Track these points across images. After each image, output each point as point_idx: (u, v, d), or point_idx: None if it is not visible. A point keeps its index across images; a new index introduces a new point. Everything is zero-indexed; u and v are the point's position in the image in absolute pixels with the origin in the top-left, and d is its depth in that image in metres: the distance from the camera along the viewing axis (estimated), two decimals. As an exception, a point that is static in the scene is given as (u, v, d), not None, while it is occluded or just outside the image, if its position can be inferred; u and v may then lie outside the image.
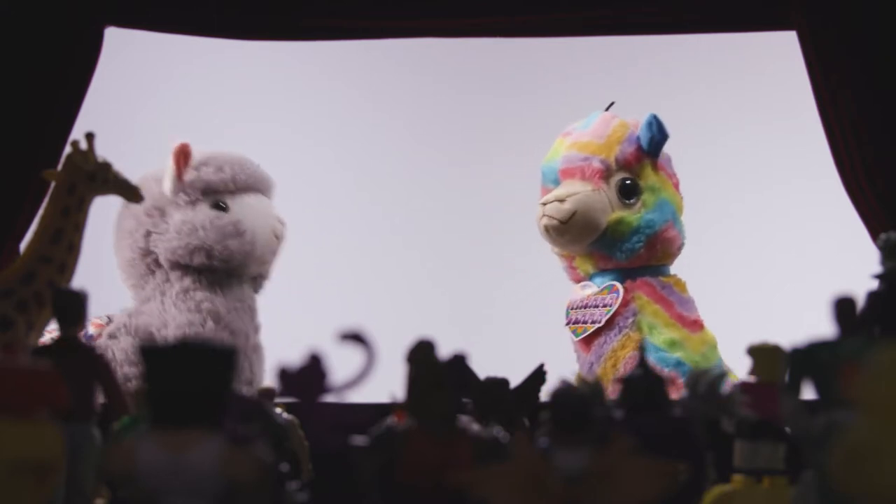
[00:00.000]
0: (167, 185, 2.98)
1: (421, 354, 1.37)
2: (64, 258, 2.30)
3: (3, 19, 3.01)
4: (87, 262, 2.40)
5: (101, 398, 1.83)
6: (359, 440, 1.32)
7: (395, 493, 1.27)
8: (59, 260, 2.30)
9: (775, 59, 3.48)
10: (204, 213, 2.98)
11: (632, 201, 3.00)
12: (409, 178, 3.81)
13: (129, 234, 3.02)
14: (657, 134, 3.01)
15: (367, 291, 3.66)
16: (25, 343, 2.18)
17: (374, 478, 1.29)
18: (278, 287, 3.27)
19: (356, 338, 1.51)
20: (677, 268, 3.16)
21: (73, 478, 1.64)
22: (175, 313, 2.95)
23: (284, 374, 1.39)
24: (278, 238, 3.11)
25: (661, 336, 2.92)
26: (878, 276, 1.71)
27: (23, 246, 2.55)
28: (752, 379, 1.76)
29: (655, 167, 3.07)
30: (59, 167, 2.44)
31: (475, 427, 1.31)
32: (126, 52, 3.38)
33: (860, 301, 1.61)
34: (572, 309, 3.05)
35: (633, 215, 2.97)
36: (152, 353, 1.19)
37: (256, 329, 3.10)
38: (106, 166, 2.38)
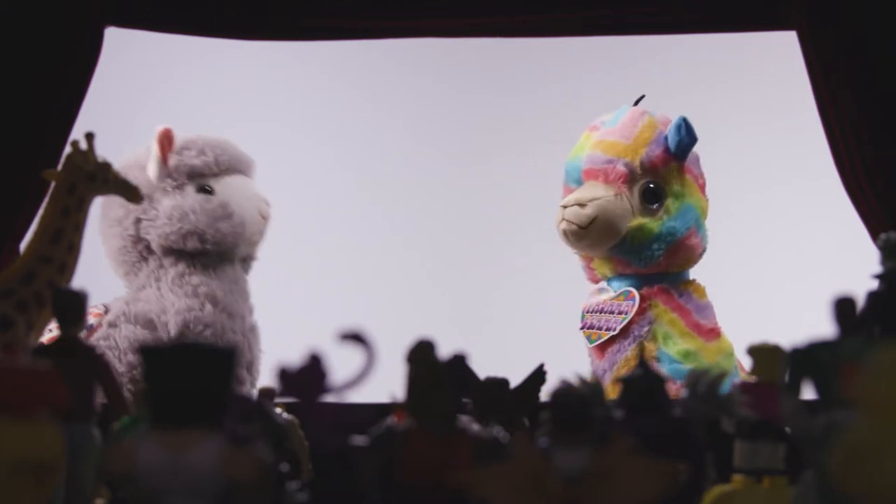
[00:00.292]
0: (152, 170, 3.00)
1: (421, 354, 1.37)
2: (64, 258, 2.30)
3: (3, 19, 3.01)
4: (87, 261, 2.41)
5: (101, 398, 1.83)
6: (359, 440, 1.32)
7: (395, 493, 1.27)
8: (59, 260, 2.30)
9: (775, 59, 3.48)
10: (192, 197, 3.00)
11: (655, 206, 2.96)
12: (409, 178, 3.81)
13: (118, 223, 3.02)
14: (686, 137, 2.96)
15: (367, 291, 3.66)
16: (25, 343, 2.18)
17: (374, 478, 1.29)
18: (278, 287, 3.27)
19: (356, 338, 1.51)
20: (678, 268, 3.17)
21: (73, 478, 1.64)
22: (173, 299, 2.96)
23: (284, 374, 1.39)
24: (264, 218, 3.13)
25: (675, 346, 2.88)
26: (878, 276, 1.71)
27: (23, 246, 2.55)
28: (752, 379, 1.76)
29: (682, 171, 3.02)
30: (59, 167, 2.44)
31: (475, 427, 1.31)
32: (126, 52, 3.38)
33: (860, 301, 1.61)
34: (588, 313, 3.01)
35: (655, 222, 2.93)
36: (153, 353, 1.19)
37: (251, 310, 3.11)
38: (106, 166, 2.38)
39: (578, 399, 1.25)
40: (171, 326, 2.90)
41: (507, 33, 3.39)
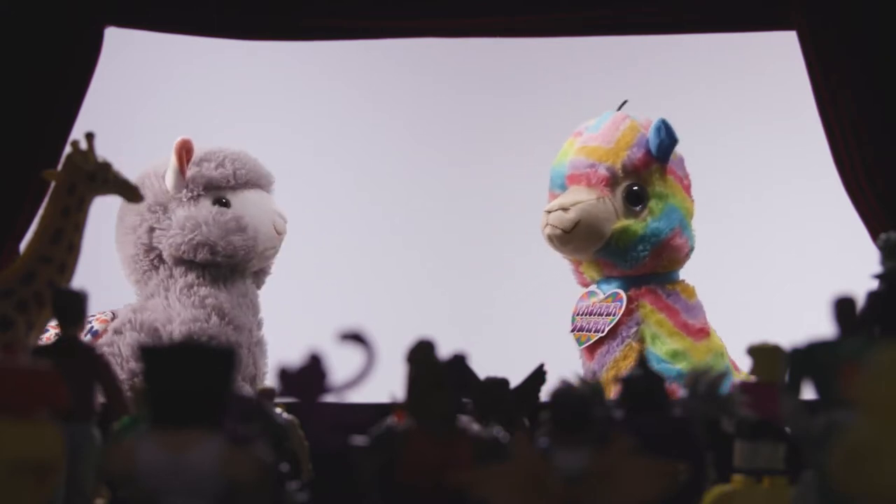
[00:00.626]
0: (170, 181, 3.00)
1: (421, 354, 1.37)
2: (64, 258, 2.30)
3: (3, 19, 3.01)
4: (87, 262, 2.41)
5: (101, 398, 1.83)
6: (359, 440, 1.32)
7: (395, 493, 1.27)
8: (59, 260, 2.30)
9: (775, 59, 3.48)
10: (206, 209, 2.99)
11: (638, 208, 2.96)
12: (409, 178, 3.81)
13: (133, 230, 3.03)
14: (666, 139, 2.97)
15: (367, 291, 3.66)
16: (25, 343, 2.18)
17: (374, 478, 1.29)
18: (278, 287, 3.27)
19: (356, 338, 1.51)
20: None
21: (73, 478, 1.64)
22: (180, 308, 2.97)
23: (284, 374, 1.39)
24: (279, 233, 3.12)
25: (663, 346, 2.89)
26: (878, 276, 1.71)
27: (23, 246, 2.55)
28: (752, 379, 1.76)
29: (664, 172, 3.02)
30: (59, 167, 2.44)
31: (475, 427, 1.31)
32: (126, 52, 3.38)
33: (860, 301, 1.61)
34: (577, 315, 3.02)
35: (639, 224, 2.93)
36: (152, 352, 1.19)
37: (259, 324, 3.11)
38: (106, 166, 2.38)
39: (578, 399, 1.25)
40: (175, 336, 2.90)
41: (507, 33, 3.39)
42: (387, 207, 3.81)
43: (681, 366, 2.89)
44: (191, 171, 3.00)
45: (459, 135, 3.84)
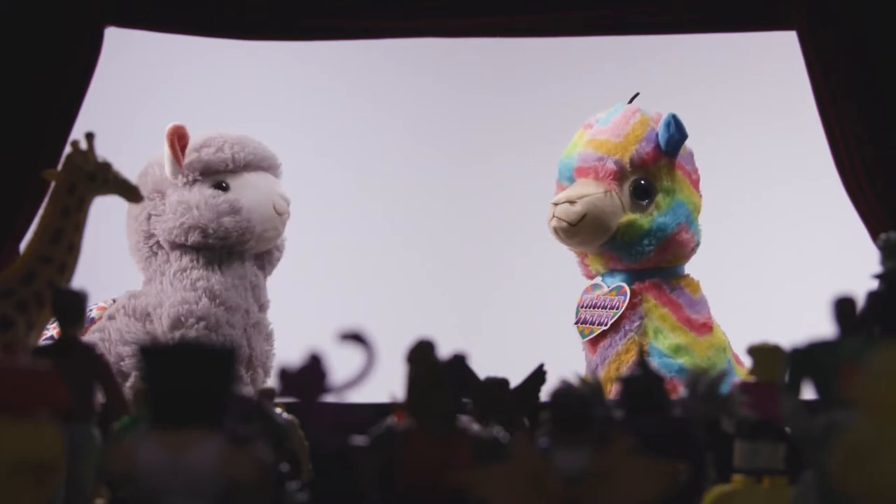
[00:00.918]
0: (167, 167, 3.00)
1: (421, 354, 1.37)
2: (64, 258, 2.30)
3: (3, 19, 3.01)
4: (87, 262, 2.41)
5: (101, 398, 1.83)
6: (359, 440, 1.32)
7: (394, 493, 1.27)
8: (59, 260, 2.30)
9: (775, 59, 3.48)
10: (200, 192, 2.99)
11: (645, 203, 2.96)
12: (409, 177, 3.81)
13: (135, 219, 3.04)
14: (675, 133, 2.97)
15: (367, 291, 3.66)
16: (25, 343, 2.18)
17: (374, 478, 1.29)
18: (278, 286, 3.27)
19: (356, 338, 1.51)
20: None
21: (73, 478, 1.64)
22: (171, 292, 2.96)
23: (284, 374, 1.39)
24: (280, 213, 3.10)
25: (666, 341, 2.89)
26: (878, 276, 1.71)
27: (23, 246, 2.55)
28: (752, 379, 1.76)
29: (672, 167, 3.02)
30: (59, 167, 2.44)
31: (475, 427, 1.31)
32: (126, 52, 3.38)
33: (860, 301, 1.61)
34: (582, 308, 3.02)
35: (645, 218, 2.93)
36: (152, 352, 1.19)
37: (261, 306, 3.09)
38: (106, 166, 2.38)
39: (578, 399, 1.25)
40: (164, 319, 2.91)
41: (507, 33, 3.39)
42: (387, 207, 3.81)
43: (683, 360, 2.89)
44: (189, 157, 2.99)
45: (459, 135, 3.84)
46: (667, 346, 2.92)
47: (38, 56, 3.09)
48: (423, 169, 3.86)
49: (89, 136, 2.37)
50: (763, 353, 1.73)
